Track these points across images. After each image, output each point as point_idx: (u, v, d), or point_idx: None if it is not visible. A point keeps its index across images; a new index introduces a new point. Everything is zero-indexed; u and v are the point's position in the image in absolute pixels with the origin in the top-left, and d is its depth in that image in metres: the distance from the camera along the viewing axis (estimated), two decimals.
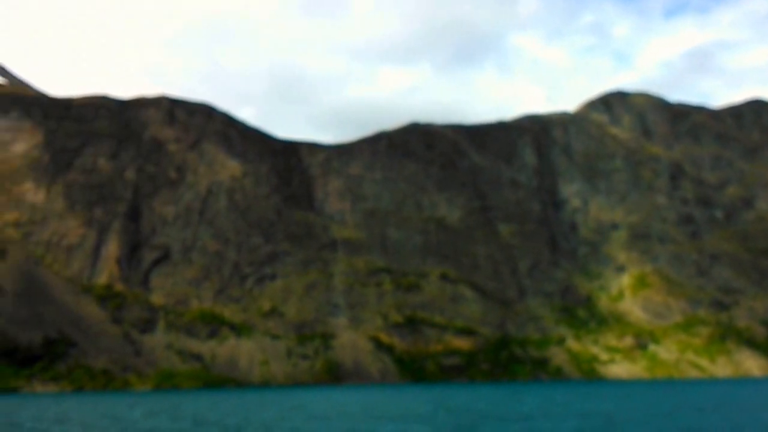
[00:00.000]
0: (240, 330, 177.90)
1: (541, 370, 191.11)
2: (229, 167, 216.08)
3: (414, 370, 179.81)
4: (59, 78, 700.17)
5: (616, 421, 46.28)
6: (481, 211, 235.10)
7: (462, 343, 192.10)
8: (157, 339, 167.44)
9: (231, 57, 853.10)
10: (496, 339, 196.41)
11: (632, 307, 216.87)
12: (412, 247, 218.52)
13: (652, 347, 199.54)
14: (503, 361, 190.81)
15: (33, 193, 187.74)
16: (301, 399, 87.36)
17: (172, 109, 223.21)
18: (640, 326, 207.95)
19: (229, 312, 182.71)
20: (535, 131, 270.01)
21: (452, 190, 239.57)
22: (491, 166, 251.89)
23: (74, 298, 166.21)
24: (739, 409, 56.88)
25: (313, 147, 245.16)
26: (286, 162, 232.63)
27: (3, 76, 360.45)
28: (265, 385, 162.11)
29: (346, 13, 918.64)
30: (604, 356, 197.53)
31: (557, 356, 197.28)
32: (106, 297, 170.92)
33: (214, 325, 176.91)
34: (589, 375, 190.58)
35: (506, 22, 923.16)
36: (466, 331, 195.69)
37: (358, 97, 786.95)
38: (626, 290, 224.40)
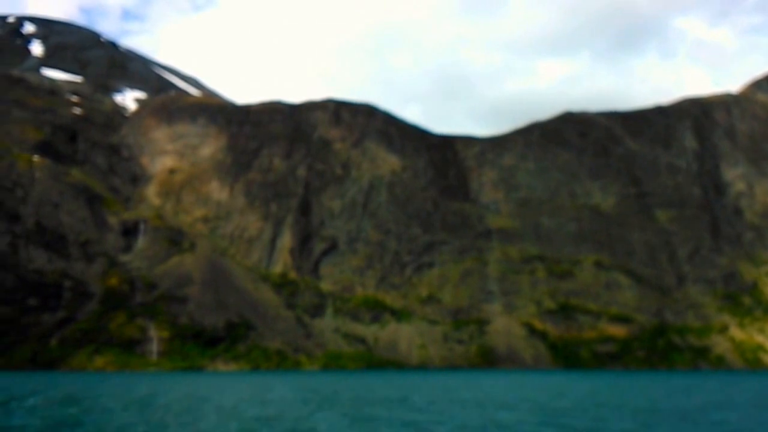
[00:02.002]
0: (400, 315, 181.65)
1: (701, 359, 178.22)
2: (390, 162, 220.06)
3: (567, 357, 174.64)
4: (242, 86, 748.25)
5: None
6: (636, 198, 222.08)
7: (617, 331, 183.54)
8: (326, 323, 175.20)
9: (397, 59, 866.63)
10: (652, 326, 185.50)
11: None
12: (566, 234, 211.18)
13: None
14: (660, 349, 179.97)
15: (218, 191, 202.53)
16: (477, 381, 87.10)
17: (337, 110, 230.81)
18: None
19: (390, 298, 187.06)
20: (696, 114, 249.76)
21: (607, 177, 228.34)
22: (648, 151, 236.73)
23: (253, 285, 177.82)
24: None
25: (468, 140, 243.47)
26: (442, 155, 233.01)
27: (197, 88, 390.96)
28: (423, 367, 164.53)
29: (503, 8, 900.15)
30: None
31: (719, 345, 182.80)
32: (281, 284, 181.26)
33: (376, 310, 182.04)
34: (754, 365, 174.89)
35: (668, 5, 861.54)
36: (621, 319, 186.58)
37: (517, 91, 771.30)
38: None
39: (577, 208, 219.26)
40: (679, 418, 38.19)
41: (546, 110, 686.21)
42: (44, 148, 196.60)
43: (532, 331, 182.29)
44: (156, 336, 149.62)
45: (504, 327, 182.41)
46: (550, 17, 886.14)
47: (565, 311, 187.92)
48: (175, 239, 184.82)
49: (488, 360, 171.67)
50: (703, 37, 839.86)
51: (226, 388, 68.94)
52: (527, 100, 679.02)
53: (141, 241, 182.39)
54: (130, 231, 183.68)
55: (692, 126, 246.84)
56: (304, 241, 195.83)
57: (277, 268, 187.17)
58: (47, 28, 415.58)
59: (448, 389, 65.88)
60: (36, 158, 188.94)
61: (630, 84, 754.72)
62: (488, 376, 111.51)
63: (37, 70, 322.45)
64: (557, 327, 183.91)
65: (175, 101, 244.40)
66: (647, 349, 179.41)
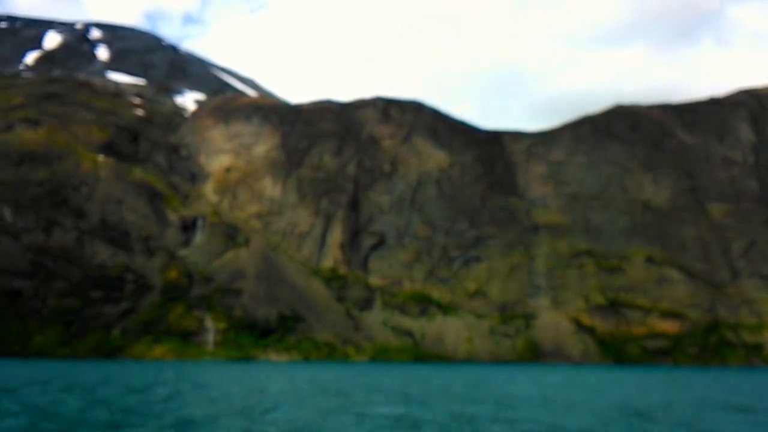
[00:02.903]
0: (447, 309, 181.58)
1: (755, 356, 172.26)
2: (437, 158, 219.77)
3: (616, 352, 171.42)
4: (296, 86, 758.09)
5: None
6: (689, 191, 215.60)
7: (667, 326, 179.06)
8: (374, 316, 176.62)
9: (450, 56, 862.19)
10: (705, 322, 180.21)
11: None
12: (616, 229, 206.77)
13: None
14: (712, 345, 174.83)
15: (271, 188, 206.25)
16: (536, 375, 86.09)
17: (386, 108, 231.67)
18: None
19: (437, 292, 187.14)
20: (752, 106, 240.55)
21: (659, 171, 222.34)
22: (701, 144, 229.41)
23: (304, 279, 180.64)
24: None
25: (516, 135, 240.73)
26: (490, 151, 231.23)
27: (254, 88, 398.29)
28: (469, 361, 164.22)
29: (557, 1, 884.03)
30: None
31: None
32: (331, 278, 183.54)
33: (424, 304, 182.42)
34: None
35: None
36: (672, 314, 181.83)
37: (572, 85, 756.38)
38: None
39: (628, 203, 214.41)
40: None
41: (601, 104, 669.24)
42: (108, 148, 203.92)
43: (579, 326, 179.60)
44: (212, 327, 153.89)
45: (551, 322, 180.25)
46: (605, 9, 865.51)
47: (614, 306, 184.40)
48: (231, 234, 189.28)
49: (535, 354, 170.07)
50: (760, 27, 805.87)
51: (306, 377, 69.42)
52: (583, 94, 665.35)
53: (199, 237, 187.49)
54: (188, 227, 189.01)
55: (748, 118, 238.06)
56: (353, 236, 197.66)
57: (327, 263, 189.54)
58: (112, 33, 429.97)
59: (529, 384, 64.51)
60: (100, 158, 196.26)
61: (686, 76, 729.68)
62: (543, 370, 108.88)
63: (102, 73, 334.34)
64: (606, 322, 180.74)
65: (231, 102, 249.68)
66: (699, 345, 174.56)
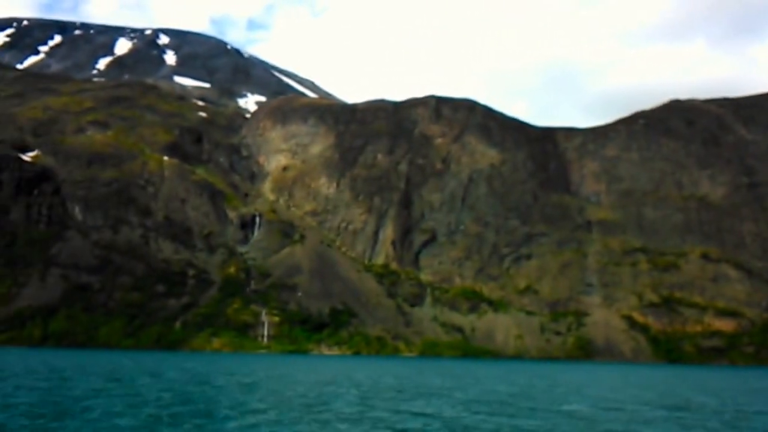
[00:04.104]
0: (497, 306, 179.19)
1: None
2: (489, 156, 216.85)
3: (669, 351, 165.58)
4: (355, 87, 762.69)
5: None
6: (748, 188, 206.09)
7: (723, 325, 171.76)
8: (425, 312, 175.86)
9: (503, 54, 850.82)
10: (762, 321, 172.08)
11: None
12: (671, 226, 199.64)
13: None
14: None
15: (326, 187, 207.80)
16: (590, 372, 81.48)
17: (438, 106, 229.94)
18: None
19: (487, 289, 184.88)
20: None
21: (716, 167, 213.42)
22: (761, 139, 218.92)
23: (357, 275, 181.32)
24: None
25: (569, 131, 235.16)
26: (542, 148, 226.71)
27: (313, 90, 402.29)
28: (518, 357, 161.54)
29: None
30: None
31: None
32: (383, 274, 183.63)
33: (474, 300, 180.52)
34: None
35: None
36: (729, 313, 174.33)
37: (627, 82, 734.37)
38: None
39: (683, 199, 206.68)
40: None
41: (657, 101, 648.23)
42: (173, 149, 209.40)
43: (632, 324, 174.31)
44: (267, 321, 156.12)
45: (603, 319, 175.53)
46: (662, 4, 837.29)
47: (668, 304, 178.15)
48: (287, 232, 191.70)
49: (586, 352, 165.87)
50: None
51: (386, 372, 68.06)
52: (637, 92, 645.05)
53: (257, 234, 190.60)
54: (247, 224, 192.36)
55: None
56: (405, 233, 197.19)
57: (380, 259, 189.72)
58: (180, 39, 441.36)
59: (611, 381, 61.99)
60: (165, 158, 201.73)
61: (747, 71, 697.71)
62: (609, 370, 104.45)
63: (170, 77, 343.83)
64: (659, 320, 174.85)
65: (289, 103, 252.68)
66: (757, 344, 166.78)
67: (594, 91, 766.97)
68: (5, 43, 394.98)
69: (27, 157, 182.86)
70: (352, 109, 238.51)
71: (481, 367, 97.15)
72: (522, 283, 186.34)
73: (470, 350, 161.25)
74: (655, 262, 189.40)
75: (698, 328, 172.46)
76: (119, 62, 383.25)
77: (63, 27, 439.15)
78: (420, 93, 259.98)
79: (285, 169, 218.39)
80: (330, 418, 25.92)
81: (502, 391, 44.38)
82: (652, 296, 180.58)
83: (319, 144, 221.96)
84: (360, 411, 28.66)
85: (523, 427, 24.84)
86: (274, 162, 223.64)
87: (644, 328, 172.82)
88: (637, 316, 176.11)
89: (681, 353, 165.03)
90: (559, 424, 26.27)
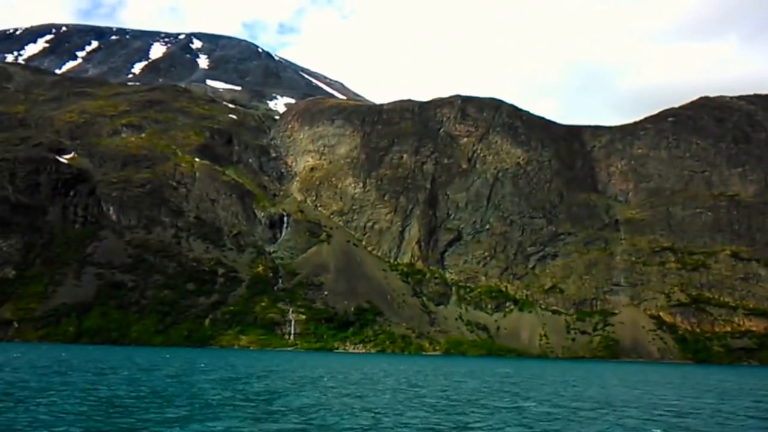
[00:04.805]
0: (523, 304, 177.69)
1: None
2: (515, 155, 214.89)
3: (697, 351, 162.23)
4: (383, 88, 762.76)
5: None
6: None
7: (754, 325, 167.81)
8: (450, 311, 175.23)
9: (531, 53, 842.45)
10: None
11: None
12: (700, 225, 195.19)
13: None
14: None
15: (352, 187, 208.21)
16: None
17: (464, 106, 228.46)
18: None
19: (513, 288, 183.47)
20: None
21: (746, 165, 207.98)
22: None
23: (382, 274, 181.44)
24: None
25: (596, 129, 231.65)
26: (568, 146, 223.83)
27: (341, 91, 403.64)
28: (543, 356, 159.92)
29: None
30: None
31: None
32: (409, 273, 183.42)
33: (499, 299, 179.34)
34: None
35: None
36: (759, 312, 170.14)
37: (658, 80, 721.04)
38: None
39: (713, 198, 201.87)
40: None
41: (689, 99, 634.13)
42: (204, 151, 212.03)
43: (660, 323, 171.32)
44: (294, 319, 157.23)
45: (630, 319, 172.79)
46: (694, 0, 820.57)
47: (696, 304, 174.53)
48: (314, 231, 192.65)
49: (612, 352, 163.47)
50: None
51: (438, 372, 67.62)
52: (669, 89, 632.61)
53: (285, 233, 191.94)
54: (275, 224, 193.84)
55: None
56: (430, 232, 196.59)
57: (405, 258, 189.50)
58: (212, 43, 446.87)
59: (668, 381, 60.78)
60: (197, 160, 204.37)
61: None
62: (643, 370, 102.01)
63: (202, 81, 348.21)
64: (688, 320, 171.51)
65: (316, 105, 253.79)
66: None
67: (624, 90, 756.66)
68: (44, 49, 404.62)
69: (64, 159, 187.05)
70: (378, 109, 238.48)
71: (555, 367, 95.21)
72: (548, 282, 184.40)
73: (494, 349, 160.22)
74: (683, 262, 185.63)
75: (728, 328, 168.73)
76: (154, 66, 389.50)
77: (100, 32, 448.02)
78: (447, 93, 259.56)
79: (312, 169, 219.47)
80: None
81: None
82: (680, 296, 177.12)
83: (346, 144, 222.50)
84: None
85: None
86: (302, 162, 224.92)
87: (672, 328, 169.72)
88: (665, 316, 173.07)
89: (709, 353, 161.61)
90: None
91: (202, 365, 62.73)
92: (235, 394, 33.39)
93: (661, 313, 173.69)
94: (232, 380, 43.04)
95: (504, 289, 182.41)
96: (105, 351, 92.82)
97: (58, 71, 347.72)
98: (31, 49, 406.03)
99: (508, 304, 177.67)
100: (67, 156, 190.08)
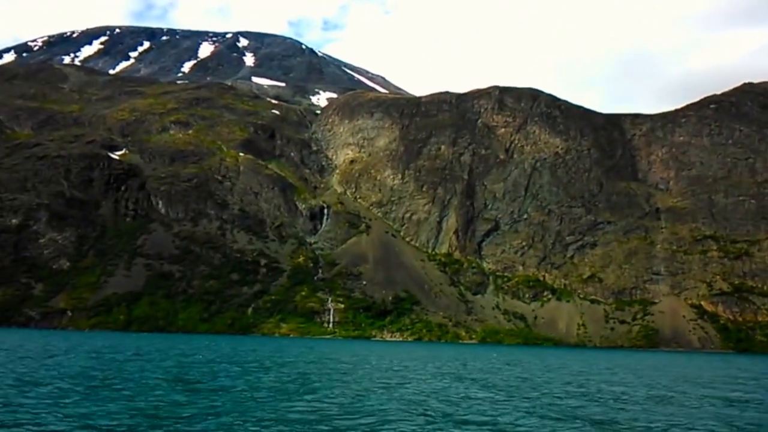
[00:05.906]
0: (560, 294, 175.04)
1: None
2: (553, 144, 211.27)
3: (738, 340, 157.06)
4: (426, 81, 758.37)
5: None
6: None
7: None
8: (487, 300, 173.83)
9: (577, 43, 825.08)
10: None
11: None
12: (743, 213, 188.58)
13: None
14: None
15: (391, 178, 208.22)
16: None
17: (501, 97, 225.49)
18: None
19: (550, 277, 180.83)
20: None
21: None
22: None
23: (420, 263, 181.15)
24: None
25: (636, 118, 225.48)
26: (608, 135, 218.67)
27: (383, 85, 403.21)
28: (581, 345, 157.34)
29: None
30: None
31: None
32: (446, 263, 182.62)
33: (536, 288, 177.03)
34: None
35: None
36: None
37: (704, 67, 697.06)
38: None
39: (756, 185, 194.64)
40: None
41: (733, 85, 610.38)
42: (248, 145, 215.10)
43: (701, 313, 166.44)
44: (333, 308, 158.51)
45: (670, 308, 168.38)
46: None
47: (739, 293, 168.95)
48: (353, 222, 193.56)
49: (651, 341, 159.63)
50: None
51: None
52: (714, 76, 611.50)
53: (325, 224, 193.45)
54: (316, 215, 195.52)
55: None
56: (468, 222, 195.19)
57: (443, 248, 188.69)
58: (258, 41, 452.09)
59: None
60: (241, 154, 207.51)
61: None
62: (708, 360, 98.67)
63: (248, 78, 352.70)
64: (730, 309, 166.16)
65: (356, 98, 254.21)
66: None
67: (669, 78, 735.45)
68: (99, 50, 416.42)
69: (116, 155, 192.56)
70: (417, 101, 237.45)
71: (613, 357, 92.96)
72: (586, 272, 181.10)
73: (531, 338, 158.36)
74: (726, 250, 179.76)
75: None
76: (202, 65, 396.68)
77: (151, 33, 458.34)
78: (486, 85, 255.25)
79: (352, 162, 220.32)
80: None
81: None
82: (722, 285, 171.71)
83: (385, 137, 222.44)
84: None
85: None
86: (342, 155, 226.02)
87: (713, 317, 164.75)
88: (707, 305, 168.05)
89: (751, 342, 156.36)
90: None
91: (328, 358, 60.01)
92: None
93: (702, 302, 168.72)
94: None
95: (542, 278, 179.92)
96: (161, 338, 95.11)
97: (111, 71, 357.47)
98: (86, 51, 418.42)
99: (545, 293, 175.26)
100: (119, 152, 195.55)
